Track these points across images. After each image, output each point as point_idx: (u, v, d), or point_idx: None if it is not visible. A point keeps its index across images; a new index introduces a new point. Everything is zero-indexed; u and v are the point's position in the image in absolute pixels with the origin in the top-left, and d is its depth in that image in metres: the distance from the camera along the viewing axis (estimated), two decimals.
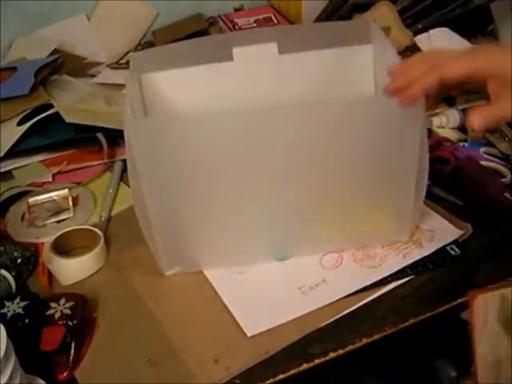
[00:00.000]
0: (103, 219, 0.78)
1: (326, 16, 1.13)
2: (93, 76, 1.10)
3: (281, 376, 0.58)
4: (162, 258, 0.67)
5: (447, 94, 0.80)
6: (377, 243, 0.70)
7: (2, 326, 0.49)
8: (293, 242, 0.69)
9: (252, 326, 0.62)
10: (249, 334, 0.61)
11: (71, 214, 0.79)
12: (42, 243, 0.74)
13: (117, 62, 1.14)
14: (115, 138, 0.91)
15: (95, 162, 0.89)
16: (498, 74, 0.50)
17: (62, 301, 0.62)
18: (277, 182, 0.62)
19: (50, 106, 0.93)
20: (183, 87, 0.72)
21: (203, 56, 0.71)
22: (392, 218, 0.69)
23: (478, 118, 0.51)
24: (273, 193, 0.63)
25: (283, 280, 0.67)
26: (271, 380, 0.57)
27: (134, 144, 0.57)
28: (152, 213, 0.63)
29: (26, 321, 0.60)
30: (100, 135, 0.89)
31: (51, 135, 0.89)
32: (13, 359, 0.49)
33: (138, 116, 0.65)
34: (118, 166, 0.88)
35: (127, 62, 1.13)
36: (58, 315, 0.60)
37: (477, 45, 0.54)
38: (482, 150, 0.83)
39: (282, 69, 0.72)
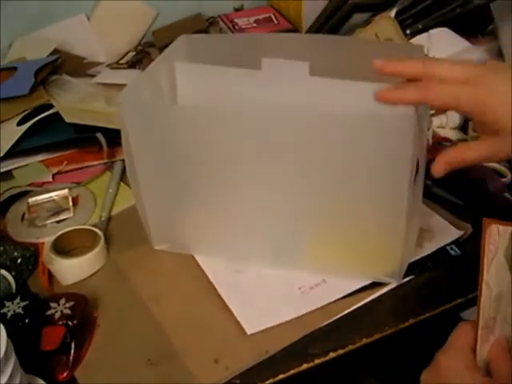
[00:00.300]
0: (103, 219, 0.78)
1: (326, 16, 1.13)
2: (93, 76, 1.10)
3: (281, 376, 0.58)
4: (152, 232, 0.68)
5: None
6: (357, 277, 0.66)
7: (2, 326, 0.49)
8: (286, 251, 0.68)
9: (252, 324, 0.62)
10: (249, 332, 0.61)
11: (71, 214, 0.79)
12: (42, 243, 0.74)
13: (117, 62, 1.14)
14: (115, 138, 0.91)
15: (95, 162, 0.89)
16: (486, 113, 0.47)
17: (62, 301, 0.62)
18: (273, 188, 0.62)
19: (50, 106, 0.93)
20: (205, 85, 0.71)
21: (232, 56, 0.69)
22: (381, 253, 0.64)
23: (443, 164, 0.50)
24: (267, 198, 0.63)
25: (283, 280, 0.67)
26: (271, 380, 0.57)
27: (126, 119, 0.58)
28: (143, 187, 0.64)
29: (26, 321, 0.60)
30: (100, 135, 0.89)
31: (51, 135, 0.89)
32: (13, 359, 0.49)
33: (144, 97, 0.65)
34: (118, 166, 0.88)
35: (127, 62, 1.13)
36: (58, 315, 0.60)
37: (483, 66, 0.50)
38: None
39: (311, 92, 0.67)
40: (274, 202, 0.63)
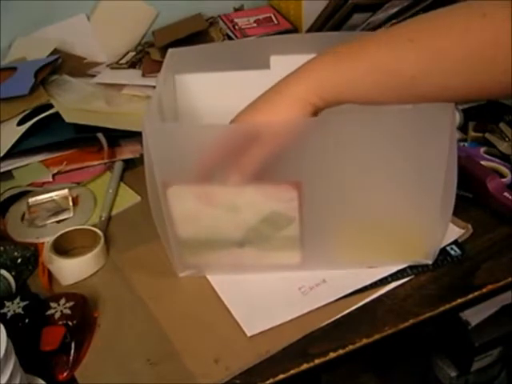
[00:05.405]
0: (103, 219, 0.78)
1: (326, 16, 1.13)
2: (93, 76, 1.10)
3: (281, 376, 0.58)
4: (177, 261, 0.67)
5: None
6: (395, 264, 0.67)
7: (2, 326, 0.49)
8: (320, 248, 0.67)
9: (252, 326, 0.62)
10: (249, 334, 0.61)
11: (71, 214, 0.79)
12: (42, 243, 0.74)
13: (117, 62, 1.14)
14: (115, 138, 0.91)
15: (95, 162, 0.89)
16: None
17: (62, 301, 0.62)
18: (313, 189, 0.61)
19: (50, 106, 0.93)
20: (217, 92, 0.71)
21: (240, 60, 0.69)
22: (414, 237, 0.66)
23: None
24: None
25: (283, 280, 0.67)
26: (271, 380, 0.57)
27: (152, 147, 0.57)
28: (175, 218, 0.63)
29: (26, 321, 0.60)
30: (100, 135, 0.89)
31: (51, 135, 0.89)
32: (13, 359, 0.49)
33: (167, 119, 0.64)
34: (118, 166, 0.88)
35: (127, 62, 1.13)
36: (58, 315, 0.60)
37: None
38: (482, 150, 0.84)
39: None
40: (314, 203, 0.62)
